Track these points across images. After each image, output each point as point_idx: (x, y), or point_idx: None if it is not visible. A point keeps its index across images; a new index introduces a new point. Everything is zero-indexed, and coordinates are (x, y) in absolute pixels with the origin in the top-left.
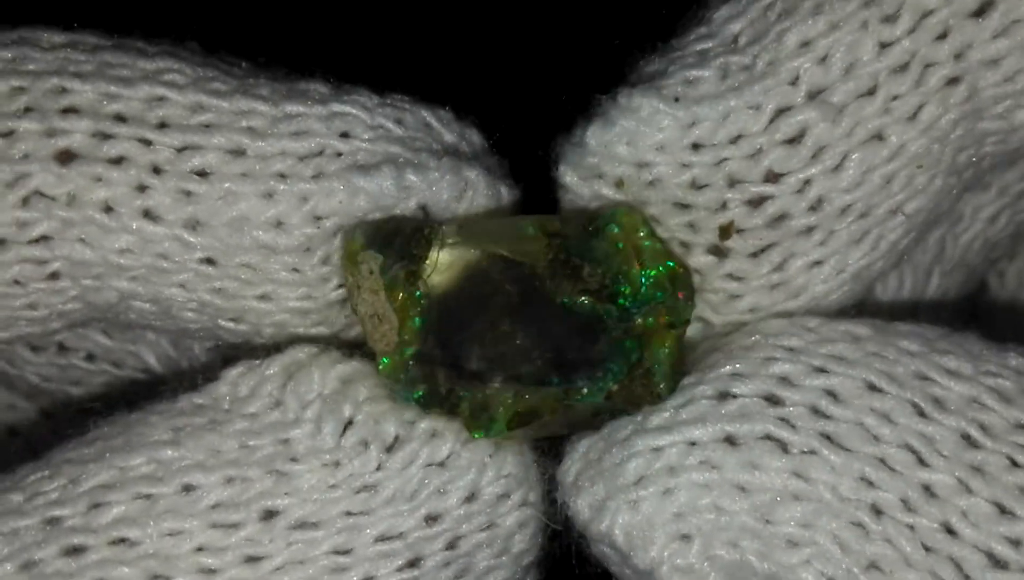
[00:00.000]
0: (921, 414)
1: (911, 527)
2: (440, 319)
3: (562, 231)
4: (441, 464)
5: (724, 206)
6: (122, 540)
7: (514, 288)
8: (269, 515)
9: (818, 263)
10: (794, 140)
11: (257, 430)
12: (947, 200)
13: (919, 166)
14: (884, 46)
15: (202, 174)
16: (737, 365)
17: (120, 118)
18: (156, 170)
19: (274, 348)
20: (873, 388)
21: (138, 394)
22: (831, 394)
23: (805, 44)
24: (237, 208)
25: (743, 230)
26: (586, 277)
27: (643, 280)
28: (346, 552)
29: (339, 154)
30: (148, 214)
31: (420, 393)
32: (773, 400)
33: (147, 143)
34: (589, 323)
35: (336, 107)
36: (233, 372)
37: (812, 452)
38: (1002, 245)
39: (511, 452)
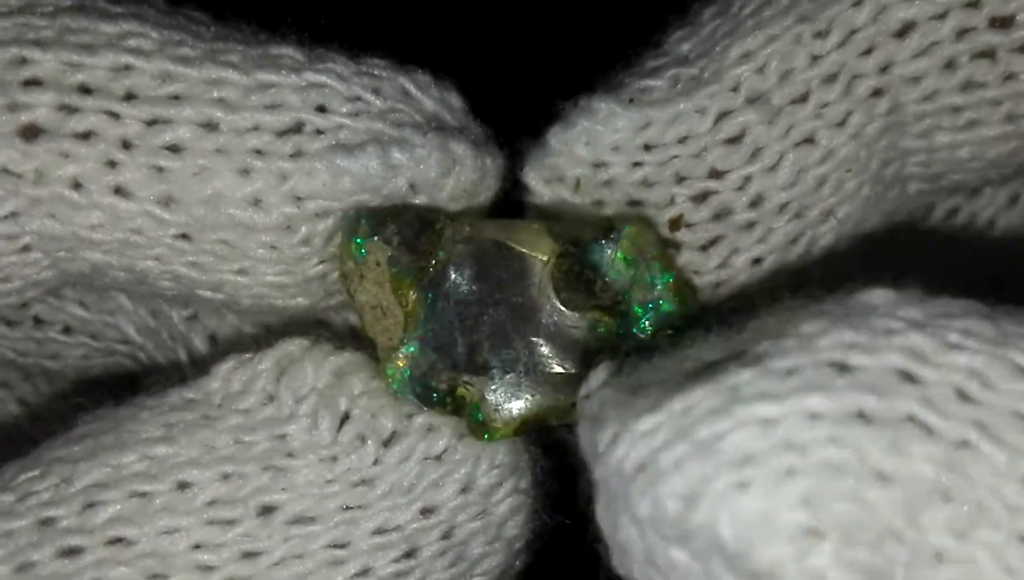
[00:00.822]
0: None
1: None
2: (445, 316)
3: (571, 238)
4: (438, 458)
5: (672, 201)
6: (118, 540)
7: (521, 292)
8: (266, 511)
9: (759, 261)
10: (735, 140)
11: (251, 426)
12: (873, 213)
13: (848, 170)
14: (815, 58)
15: (174, 149)
16: (851, 333)
17: (85, 89)
18: (126, 145)
19: (264, 341)
20: (1022, 371)
21: (117, 371)
22: (978, 376)
23: (745, 55)
24: (212, 185)
25: (691, 224)
26: (599, 292)
27: (655, 294)
28: (343, 546)
29: (319, 132)
30: (119, 191)
31: (420, 391)
32: (907, 376)
33: (115, 116)
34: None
35: (311, 76)
36: (224, 367)
37: (966, 444)
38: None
39: (501, 443)
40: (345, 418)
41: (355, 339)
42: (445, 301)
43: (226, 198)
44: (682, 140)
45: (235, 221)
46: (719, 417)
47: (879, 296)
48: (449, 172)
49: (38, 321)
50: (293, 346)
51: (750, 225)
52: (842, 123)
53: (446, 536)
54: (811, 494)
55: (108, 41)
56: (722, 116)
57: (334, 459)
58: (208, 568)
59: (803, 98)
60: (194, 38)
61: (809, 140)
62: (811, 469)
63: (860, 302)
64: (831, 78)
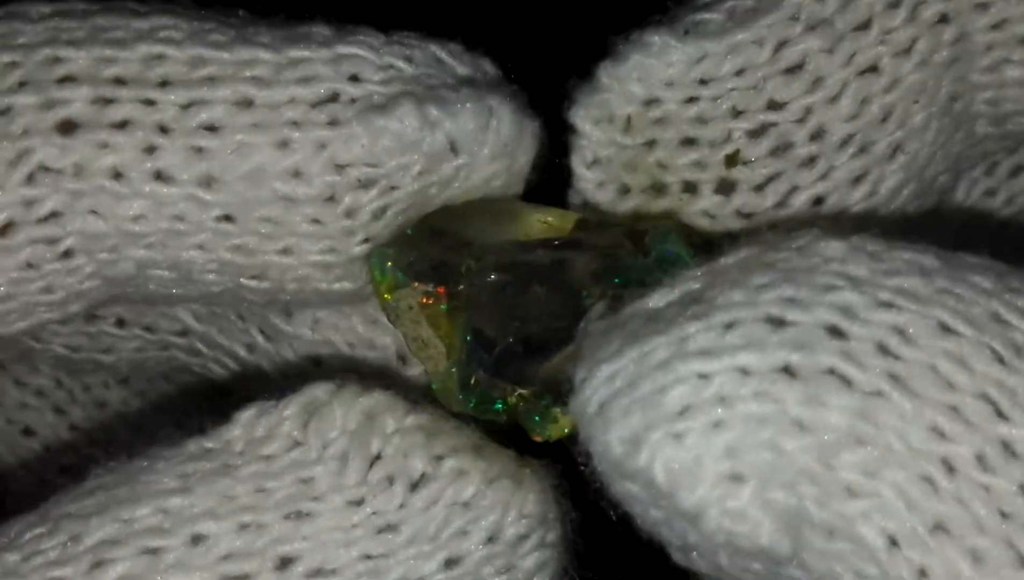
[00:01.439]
0: (1000, 361)
1: (986, 488)
2: (484, 338)
3: (609, 265)
4: (465, 504)
5: (729, 137)
6: None
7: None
8: (284, 563)
9: (820, 200)
10: (795, 69)
11: (275, 472)
12: (942, 156)
13: (915, 101)
14: None
15: (211, 129)
16: (792, 289)
17: (119, 81)
18: (163, 129)
19: (289, 389)
20: (947, 329)
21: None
22: (900, 332)
23: None
24: (252, 160)
25: (748, 161)
26: None
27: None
28: None
29: (353, 100)
30: (160, 176)
31: (473, 403)
32: (836, 332)
33: (150, 103)
34: None
35: (342, 48)
36: (246, 414)
37: (880, 394)
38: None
39: (533, 491)
40: (376, 459)
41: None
42: (480, 323)
43: (267, 172)
44: (739, 72)
45: (277, 195)
46: (665, 370)
47: (832, 249)
48: (487, 125)
49: (91, 315)
50: (320, 390)
51: (811, 160)
52: (908, 50)
53: None
54: (735, 444)
55: (139, 35)
56: (781, 45)
57: (360, 502)
58: None
59: (866, 24)
60: (223, 25)
61: (873, 68)
62: (736, 421)
63: (812, 253)
64: (895, 3)
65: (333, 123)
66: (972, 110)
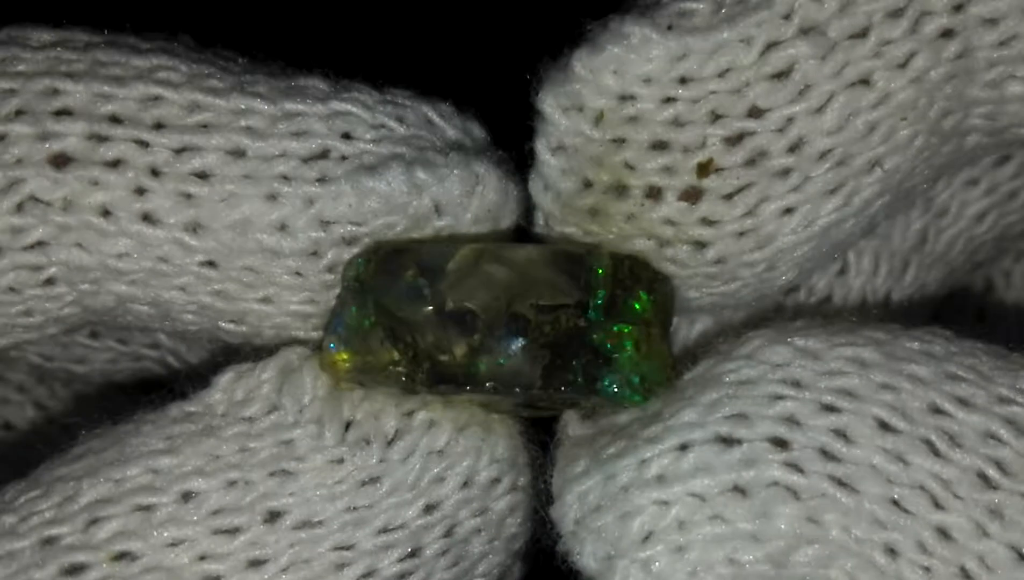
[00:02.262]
0: (935, 453)
1: (926, 568)
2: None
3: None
4: (440, 452)
5: (704, 144)
6: (123, 555)
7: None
8: (272, 516)
9: (789, 211)
10: (781, 75)
11: (257, 433)
12: (924, 168)
13: (903, 118)
14: None
15: (202, 176)
16: (739, 405)
17: (115, 119)
18: (154, 172)
19: (264, 350)
20: (885, 426)
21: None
22: (841, 434)
23: None
24: (240, 210)
25: (720, 169)
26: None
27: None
28: (348, 547)
29: (344, 157)
30: (147, 217)
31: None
32: (780, 443)
33: (144, 145)
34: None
35: (336, 105)
36: (225, 378)
37: (823, 495)
38: (986, 249)
39: (503, 437)
40: (349, 423)
41: None
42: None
43: (254, 223)
44: (722, 74)
45: (262, 246)
46: (627, 497)
47: (777, 354)
48: (473, 190)
49: None
50: (293, 355)
51: (785, 172)
52: (903, 65)
53: (448, 534)
54: (696, 564)
55: (138, 73)
56: (769, 47)
57: (340, 461)
58: (215, 578)
59: (863, 33)
60: (222, 71)
61: (864, 81)
62: (696, 544)
63: (759, 361)
64: (897, 13)
65: (322, 180)
66: (965, 124)
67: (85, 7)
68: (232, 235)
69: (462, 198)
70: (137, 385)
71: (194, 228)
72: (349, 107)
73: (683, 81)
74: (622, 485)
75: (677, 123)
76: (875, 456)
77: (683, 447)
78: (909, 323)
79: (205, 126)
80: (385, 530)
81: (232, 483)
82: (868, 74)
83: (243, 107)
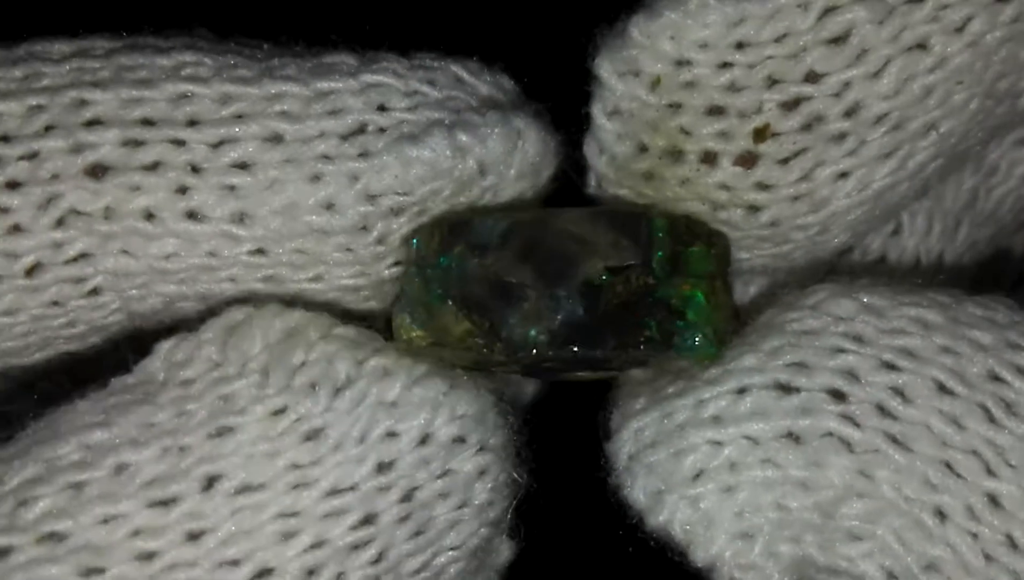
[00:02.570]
0: (991, 419)
1: (974, 535)
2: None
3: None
4: (392, 403)
5: (760, 109)
6: (50, 536)
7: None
8: (210, 482)
9: (844, 175)
10: (839, 40)
11: (195, 394)
12: (978, 131)
13: (959, 82)
14: None
15: (243, 166)
16: (800, 354)
17: (148, 122)
18: (194, 169)
19: (208, 313)
20: (943, 388)
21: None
22: (899, 393)
23: None
24: (285, 195)
25: (776, 134)
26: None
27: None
28: (294, 514)
29: (382, 130)
30: (192, 215)
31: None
32: (838, 395)
33: (180, 143)
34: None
35: (368, 78)
36: (166, 345)
37: (877, 451)
38: None
39: (466, 391)
40: (301, 366)
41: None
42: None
43: (300, 206)
44: (779, 39)
45: (311, 227)
46: (681, 435)
47: (842, 308)
48: (515, 147)
49: None
50: (239, 313)
51: (841, 136)
52: (960, 29)
53: (406, 498)
54: (744, 506)
55: (165, 73)
56: (827, 12)
57: (284, 410)
58: (149, 555)
59: None
60: (248, 60)
61: (921, 45)
62: (745, 486)
63: (823, 313)
64: None
65: (364, 154)
66: (1019, 86)
67: (90, 12)
68: (280, 220)
69: (505, 156)
70: None
71: (240, 218)
72: (381, 78)
73: (740, 46)
74: (678, 423)
75: (733, 88)
76: (931, 417)
77: (741, 391)
78: (961, 282)
79: (240, 116)
80: (334, 492)
81: (166, 450)
82: (925, 38)
83: (275, 92)
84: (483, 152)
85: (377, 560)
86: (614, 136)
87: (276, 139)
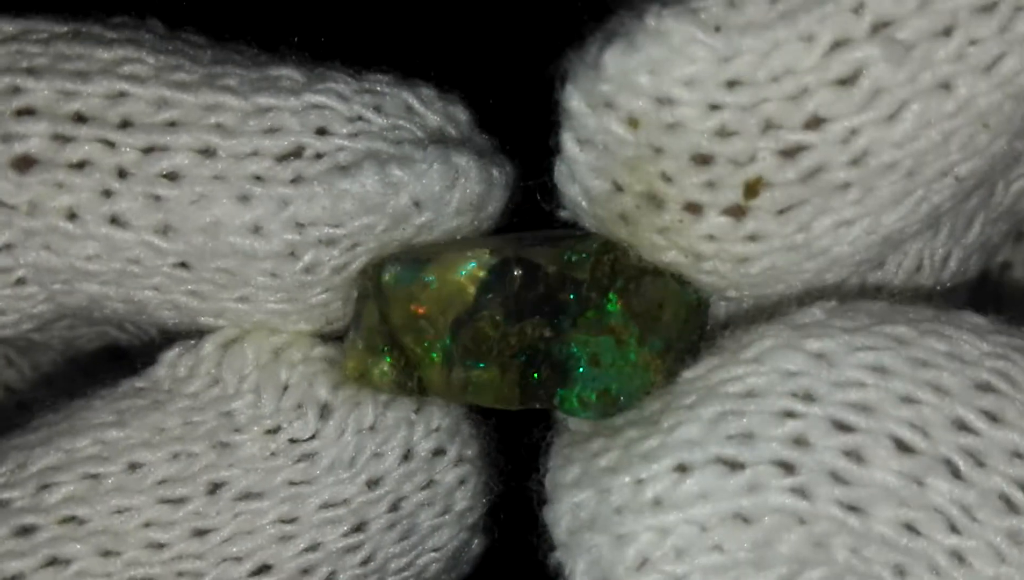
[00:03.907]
0: (956, 474)
1: None
2: None
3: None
4: (371, 428)
5: (753, 158)
6: (71, 518)
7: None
8: (215, 488)
9: (848, 223)
10: (847, 81)
11: (199, 406)
12: (1004, 163)
13: (985, 125)
14: None
15: (171, 177)
16: (744, 423)
17: (80, 118)
18: (121, 174)
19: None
20: (902, 446)
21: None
22: (854, 455)
23: None
24: (211, 213)
25: (771, 185)
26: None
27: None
28: (292, 521)
29: (319, 155)
30: (115, 220)
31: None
32: (787, 466)
33: (110, 145)
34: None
35: (311, 98)
36: (170, 354)
37: (831, 519)
38: None
39: (436, 406)
40: (286, 388)
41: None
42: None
43: (225, 226)
44: (777, 78)
45: (235, 249)
46: (624, 520)
47: (790, 361)
48: (453, 184)
49: None
50: (233, 329)
51: (845, 186)
52: (990, 68)
53: (394, 508)
54: None
55: (103, 68)
56: (835, 47)
57: (277, 429)
58: (159, 545)
59: (945, 32)
60: (191, 62)
61: (944, 86)
62: (696, 575)
63: (770, 369)
64: (987, 8)
65: (296, 180)
66: None
67: None
68: (203, 238)
69: (442, 193)
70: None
71: (164, 230)
72: (324, 99)
73: (731, 85)
74: (616, 506)
75: (723, 133)
76: (889, 478)
77: (682, 468)
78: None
79: (173, 124)
80: (328, 505)
81: (176, 455)
82: (949, 79)
83: (213, 102)
84: (418, 188)
85: (366, 562)
86: (587, 169)
87: (208, 152)
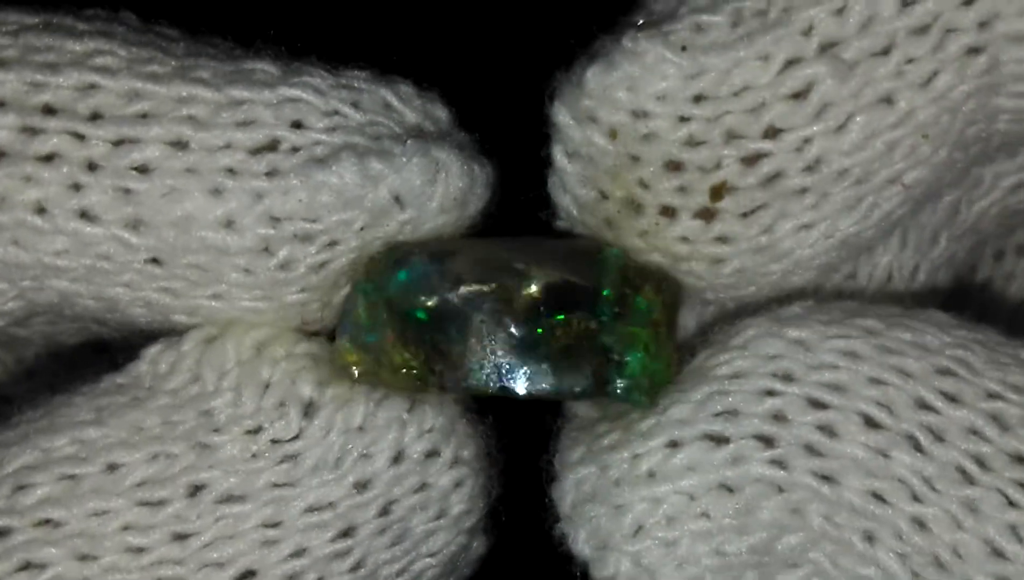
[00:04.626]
0: (917, 448)
1: (902, 555)
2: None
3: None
4: (360, 428)
5: (718, 165)
6: (47, 521)
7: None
8: (195, 490)
9: (807, 227)
10: (799, 95)
11: (179, 404)
12: (950, 173)
13: (925, 136)
14: (906, 4)
15: (142, 170)
16: (728, 402)
17: (49, 110)
18: (91, 167)
19: None
20: (870, 422)
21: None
22: (827, 430)
23: None
24: (182, 207)
25: (735, 189)
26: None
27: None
28: (275, 525)
29: (295, 149)
30: (85, 214)
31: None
32: (767, 440)
33: (80, 137)
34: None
35: (286, 91)
36: (151, 350)
37: (806, 488)
38: (1021, 214)
39: (430, 406)
40: (267, 386)
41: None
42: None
43: (197, 220)
44: (738, 93)
45: (207, 244)
46: (619, 491)
47: (769, 346)
48: (434, 179)
49: None
50: (213, 326)
51: (802, 191)
52: (926, 84)
53: (384, 512)
54: (686, 557)
55: (74, 59)
56: (788, 65)
57: (259, 429)
58: (138, 550)
59: (885, 51)
60: (164, 55)
61: (886, 100)
62: (684, 539)
63: (752, 353)
64: (921, 30)
65: (271, 173)
66: (990, 129)
67: None
68: (175, 232)
69: (424, 188)
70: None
71: (135, 225)
72: (299, 93)
73: (698, 100)
74: (615, 479)
75: (692, 142)
76: (858, 451)
77: (673, 444)
78: (935, 295)
79: (144, 116)
80: (313, 509)
81: (155, 456)
82: (890, 93)
83: (185, 95)
84: (397, 182)
85: (356, 568)
86: (576, 179)
87: (180, 145)
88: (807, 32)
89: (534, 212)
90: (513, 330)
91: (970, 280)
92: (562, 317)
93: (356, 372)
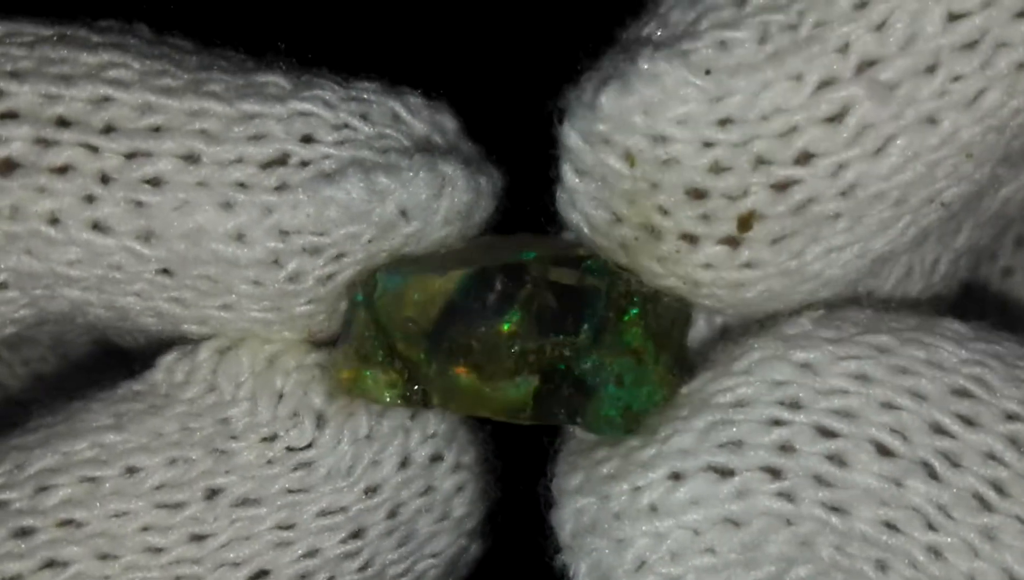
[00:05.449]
0: (932, 475)
1: None
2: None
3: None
4: (368, 436)
5: (746, 193)
6: (69, 521)
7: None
8: (212, 494)
9: (839, 249)
10: (835, 118)
11: (196, 412)
12: (989, 188)
13: (969, 155)
14: (953, 18)
15: (154, 182)
16: (733, 432)
17: (63, 122)
18: (104, 179)
19: None
20: (882, 449)
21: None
22: (836, 459)
23: (861, 5)
24: (193, 219)
25: (764, 217)
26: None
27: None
28: (289, 527)
29: (304, 163)
30: (97, 226)
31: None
32: (774, 472)
33: (93, 149)
34: None
35: (296, 105)
36: (167, 359)
37: (815, 520)
38: None
39: (432, 414)
40: (281, 396)
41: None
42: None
43: (208, 233)
44: (768, 116)
45: (218, 256)
46: (622, 525)
47: (776, 371)
48: (440, 193)
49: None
50: (225, 336)
51: (836, 216)
52: (972, 102)
53: (392, 515)
54: None
55: (88, 72)
56: (822, 87)
57: (274, 437)
58: (157, 550)
59: (930, 69)
60: (177, 68)
61: (929, 120)
62: (690, 575)
63: (758, 378)
64: (969, 46)
65: (281, 188)
66: None
67: None
68: (186, 244)
69: (429, 201)
70: (94, 349)
71: (146, 237)
72: (310, 107)
73: (723, 124)
74: (615, 512)
75: (717, 169)
76: (870, 480)
77: (676, 476)
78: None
79: (157, 129)
80: (325, 513)
81: (173, 461)
82: (933, 114)
83: (197, 108)
84: (404, 196)
85: (364, 568)
86: (587, 199)
87: (192, 158)
88: (843, 50)
89: (541, 218)
90: (494, 362)
91: (990, 268)
92: (536, 344)
93: (348, 386)
